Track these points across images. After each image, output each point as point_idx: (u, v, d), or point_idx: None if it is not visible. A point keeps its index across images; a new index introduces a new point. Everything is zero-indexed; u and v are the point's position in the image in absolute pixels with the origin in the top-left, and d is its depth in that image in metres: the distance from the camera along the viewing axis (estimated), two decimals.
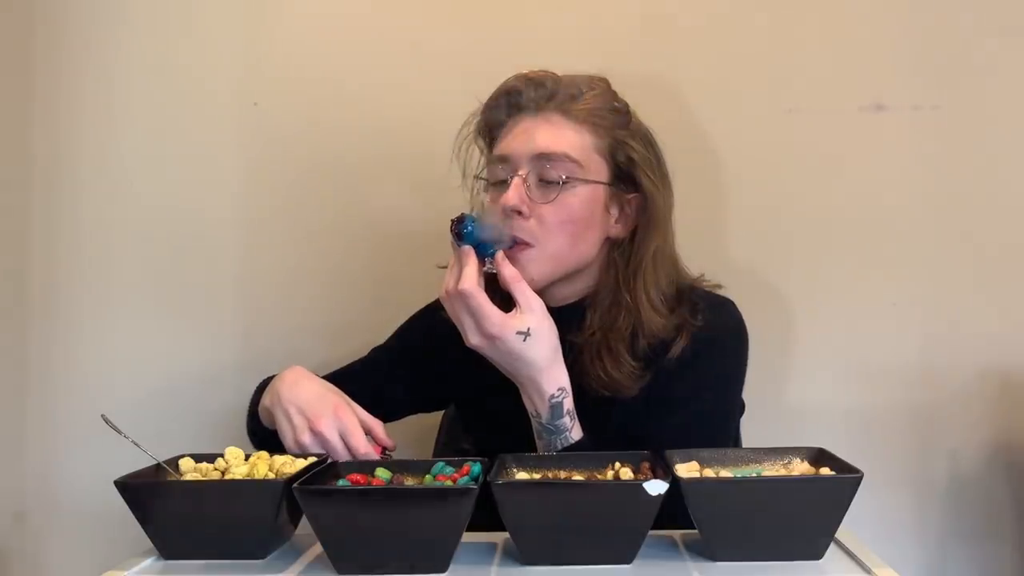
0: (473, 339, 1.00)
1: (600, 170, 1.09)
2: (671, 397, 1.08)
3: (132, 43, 1.58)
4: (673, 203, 1.15)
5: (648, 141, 1.13)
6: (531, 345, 0.99)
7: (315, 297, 1.57)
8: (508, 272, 1.01)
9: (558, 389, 1.02)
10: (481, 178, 1.15)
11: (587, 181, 1.08)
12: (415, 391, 1.25)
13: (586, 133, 1.08)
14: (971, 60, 1.51)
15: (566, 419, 1.02)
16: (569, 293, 1.13)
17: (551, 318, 1.02)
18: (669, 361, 1.08)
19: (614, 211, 1.11)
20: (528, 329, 0.99)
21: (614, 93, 1.13)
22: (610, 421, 1.08)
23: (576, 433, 1.03)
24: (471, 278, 0.99)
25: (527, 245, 1.07)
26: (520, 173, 1.07)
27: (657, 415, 1.07)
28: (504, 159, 1.10)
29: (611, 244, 1.12)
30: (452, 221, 1.01)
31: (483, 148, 1.17)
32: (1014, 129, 1.51)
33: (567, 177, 1.06)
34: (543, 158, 1.07)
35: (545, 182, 1.07)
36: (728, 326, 1.13)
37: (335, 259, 1.57)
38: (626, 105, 1.13)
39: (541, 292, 1.08)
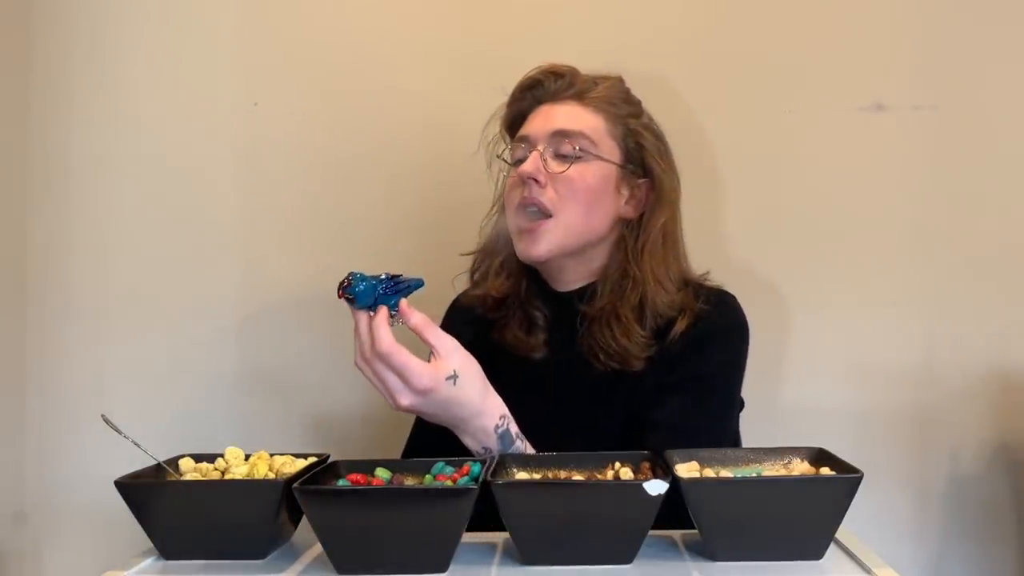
0: (404, 400, 0.95)
1: (612, 151, 1.16)
2: (674, 381, 1.11)
3: (132, 43, 1.59)
4: (680, 193, 1.20)
5: (658, 135, 1.20)
6: (462, 386, 0.97)
7: (315, 297, 1.57)
8: (416, 319, 0.97)
9: (500, 417, 1.01)
10: (502, 159, 1.21)
11: (600, 158, 1.14)
12: None
13: (600, 118, 1.15)
14: (971, 60, 1.51)
15: (518, 443, 1.02)
16: (582, 274, 1.18)
17: (468, 353, 1.00)
18: (673, 342, 1.12)
19: (625, 192, 1.17)
20: (454, 371, 0.97)
21: (628, 89, 1.21)
22: (614, 399, 1.12)
23: (531, 452, 1.03)
24: (387, 338, 0.93)
25: (544, 216, 1.11)
26: (538, 148, 1.13)
27: (658, 401, 1.10)
28: (524, 139, 1.16)
29: (622, 224, 1.18)
30: (339, 286, 0.95)
31: (507, 140, 1.23)
32: (1014, 129, 1.51)
33: (581, 150, 1.12)
34: (560, 135, 1.13)
35: (561, 156, 1.13)
36: (733, 316, 1.17)
37: (336, 259, 1.57)
38: (639, 101, 1.21)
39: (554, 274, 1.17)
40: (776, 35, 1.53)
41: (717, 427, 1.13)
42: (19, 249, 1.57)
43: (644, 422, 1.10)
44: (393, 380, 0.95)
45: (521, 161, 1.15)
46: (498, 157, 1.22)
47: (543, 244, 1.12)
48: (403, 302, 0.97)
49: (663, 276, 1.14)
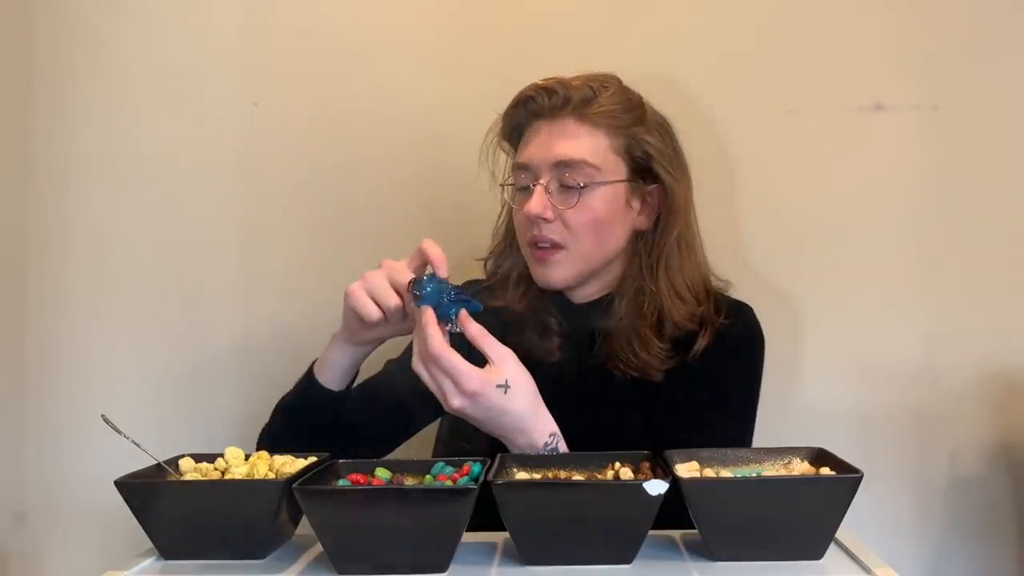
0: (455, 401, 0.96)
1: (618, 169, 1.13)
2: (696, 400, 1.11)
3: (132, 43, 1.58)
4: (692, 191, 1.19)
5: (663, 132, 1.17)
6: (512, 396, 0.98)
7: (315, 298, 1.57)
8: (474, 329, 0.99)
9: (550, 435, 1.01)
10: (508, 185, 1.19)
11: (606, 182, 1.11)
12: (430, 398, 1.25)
13: (601, 135, 1.12)
14: (971, 60, 1.50)
15: None
16: (596, 288, 1.18)
17: (525, 368, 1.01)
18: (695, 359, 1.12)
19: (636, 204, 1.15)
20: (506, 381, 0.97)
21: (626, 89, 1.16)
22: (634, 408, 1.12)
23: None
24: (438, 339, 0.96)
25: (557, 248, 1.11)
26: (541, 181, 1.11)
27: (682, 424, 1.09)
28: (525, 167, 1.14)
29: (636, 235, 1.16)
30: (409, 283, 0.99)
31: (508, 152, 1.21)
32: (1014, 129, 1.51)
33: (585, 183, 1.10)
34: (562, 166, 1.11)
35: (566, 187, 1.11)
36: (752, 331, 1.17)
37: (335, 260, 1.57)
38: (639, 98, 1.17)
39: (570, 288, 1.16)
40: (776, 35, 1.53)
41: (742, 443, 1.13)
42: (19, 248, 1.57)
43: (667, 442, 1.07)
44: (445, 381, 0.96)
45: (525, 189, 1.14)
46: (503, 185, 1.20)
47: (559, 272, 1.13)
48: (463, 312, 0.99)
49: (681, 287, 1.14)
